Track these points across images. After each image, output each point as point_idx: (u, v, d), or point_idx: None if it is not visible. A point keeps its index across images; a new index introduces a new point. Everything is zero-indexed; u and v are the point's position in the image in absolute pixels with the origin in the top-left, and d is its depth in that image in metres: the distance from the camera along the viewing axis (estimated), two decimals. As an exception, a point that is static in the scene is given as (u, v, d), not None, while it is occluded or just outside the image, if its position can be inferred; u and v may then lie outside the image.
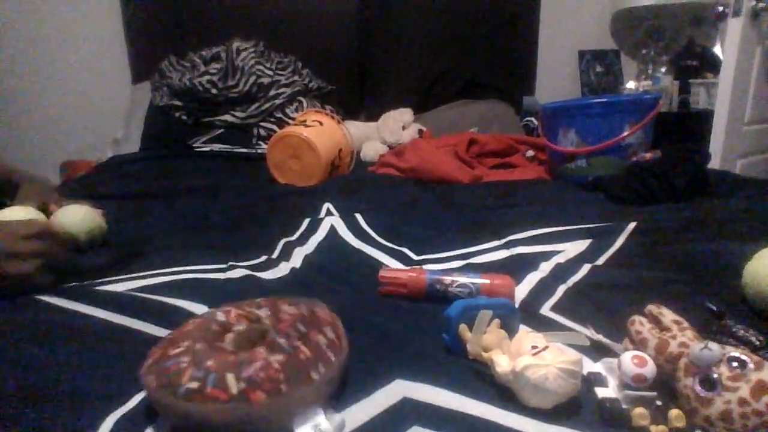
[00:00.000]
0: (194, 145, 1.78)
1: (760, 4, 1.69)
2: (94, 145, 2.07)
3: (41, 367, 0.46)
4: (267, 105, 1.83)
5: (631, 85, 2.34)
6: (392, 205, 1.10)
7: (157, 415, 0.41)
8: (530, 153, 1.61)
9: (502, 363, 0.44)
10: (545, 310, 0.63)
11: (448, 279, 0.65)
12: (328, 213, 1.03)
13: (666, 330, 0.46)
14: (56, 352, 0.49)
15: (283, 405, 0.38)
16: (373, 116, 2.00)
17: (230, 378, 0.38)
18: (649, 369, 0.42)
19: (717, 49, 2.30)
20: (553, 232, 0.89)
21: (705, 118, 1.91)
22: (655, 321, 0.48)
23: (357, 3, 2.11)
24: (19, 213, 0.76)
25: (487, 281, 0.64)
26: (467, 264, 0.78)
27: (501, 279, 0.64)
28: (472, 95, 2.06)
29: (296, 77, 1.93)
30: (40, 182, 0.93)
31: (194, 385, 0.38)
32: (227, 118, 1.81)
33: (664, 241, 0.83)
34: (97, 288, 0.65)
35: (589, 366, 0.48)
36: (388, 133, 1.82)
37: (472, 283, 0.64)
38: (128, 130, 1.92)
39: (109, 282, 0.67)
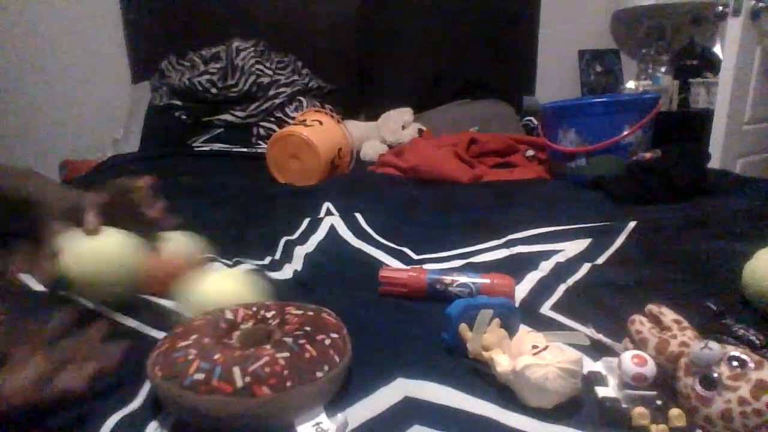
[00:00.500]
0: (194, 144, 1.78)
1: (760, 4, 1.69)
2: (93, 145, 2.07)
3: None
4: (267, 104, 1.82)
5: (631, 84, 2.33)
6: (392, 205, 1.10)
7: (160, 411, 0.41)
8: (530, 152, 1.61)
9: (503, 362, 0.44)
10: (545, 309, 0.63)
11: (448, 278, 0.65)
12: (328, 212, 1.03)
13: (666, 329, 0.46)
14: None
15: (287, 401, 0.38)
16: (372, 116, 2.00)
17: (236, 371, 0.38)
18: (649, 368, 0.42)
19: (717, 49, 2.30)
20: (553, 231, 0.89)
21: (705, 117, 1.91)
22: (656, 320, 0.48)
23: (357, 2, 2.11)
24: (113, 245, 0.58)
25: (488, 281, 0.64)
26: (467, 263, 0.78)
27: (501, 278, 0.64)
28: (472, 95, 2.05)
29: (296, 77, 1.93)
30: (45, 179, 0.68)
31: (200, 376, 0.38)
32: (227, 117, 1.81)
33: (664, 241, 0.83)
34: None
35: (589, 365, 0.48)
36: (388, 132, 1.82)
37: (473, 283, 0.64)
38: (128, 129, 1.92)
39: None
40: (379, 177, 1.41)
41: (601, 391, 0.43)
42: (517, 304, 0.63)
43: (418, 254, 0.82)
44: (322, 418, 0.39)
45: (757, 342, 0.48)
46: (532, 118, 1.99)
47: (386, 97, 2.04)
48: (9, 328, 0.43)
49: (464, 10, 2.15)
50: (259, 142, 1.79)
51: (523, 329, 0.53)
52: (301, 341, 0.42)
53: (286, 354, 0.40)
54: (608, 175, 1.21)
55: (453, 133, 1.67)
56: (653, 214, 0.97)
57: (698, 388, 0.39)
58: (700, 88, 2.15)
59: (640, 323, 0.48)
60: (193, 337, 0.43)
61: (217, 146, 1.75)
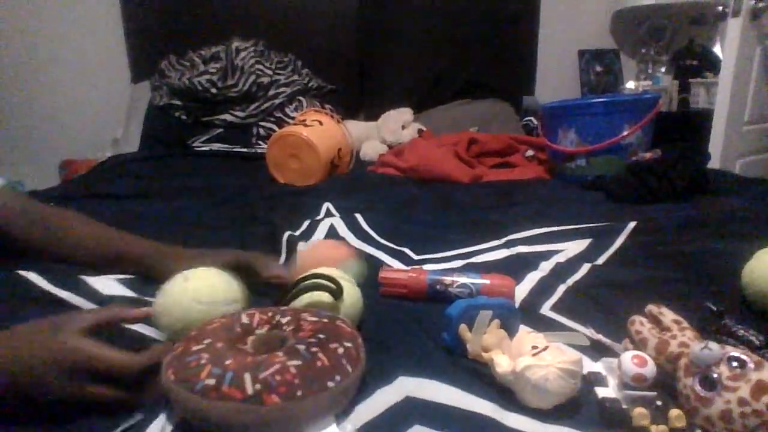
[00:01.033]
0: (194, 144, 1.78)
1: (760, 4, 1.69)
2: (93, 145, 2.07)
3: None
4: (266, 104, 1.82)
5: (630, 84, 2.33)
6: (392, 205, 1.10)
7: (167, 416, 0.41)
8: (530, 152, 1.61)
9: (503, 363, 0.44)
10: (545, 309, 0.63)
11: (448, 279, 0.65)
12: (328, 212, 1.02)
13: (666, 330, 0.46)
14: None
15: (297, 410, 0.38)
16: (372, 116, 2.00)
17: (247, 378, 0.38)
18: (649, 369, 0.42)
19: (717, 49, 2.30)
20: (553, 231, 0.90)
21: (705, 117, 1.91)
22: (655, 321, 0.48)
23: (357, 2, 2.11)
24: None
25: (488, 281, 0.64)
26: (467, 264, 0.78)
27: (501, 279, 0.64)
28: (472, 95, 2.05)
29: (296, 77, 1.93)
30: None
31: (211, 382, 0.38)
32: (227, 117, 1.81)
33: (663, 241, 0.83)
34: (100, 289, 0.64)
35: (589, 366, 0.48)
36: (388, 132, 1.82)
37: (473, 284, 0.64)
38: (128, 129, 1.92)
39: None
40: (379, 177, 1.41)
41: (601, 392, 0.43)
42: (517, 305, 0.63)
43: (418, 254, 0.82)
44: (333, 429, 0.39)
45: (757, 342, 0.48)
46: (531, 118, 1.99)
47: (386, 97, 2.04)
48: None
49: (464, 9, 2.15)
50: (259, 142, 1.79)
51: (523, 330, 0.53)
52: (314, 349, 0.42)
53: (298, 362, 0.40)
54: (608, 175, 1.21)
55: (453, 133, 1.67)
56: (653, 214, 0.97)
57: (698, 388, 0.39)
58: (700, 88, 2.15)
59: (640, 324, 0.48)
60: (207, 341, 0.42)
61: (216, 146, 1.75)
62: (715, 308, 0.53)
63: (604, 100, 1.38)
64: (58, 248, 0.68)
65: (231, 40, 1.89)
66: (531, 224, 0.92)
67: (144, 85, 1.99)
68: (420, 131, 1.81)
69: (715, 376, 0.39)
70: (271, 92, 1.84)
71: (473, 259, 0.79)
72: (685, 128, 2.01)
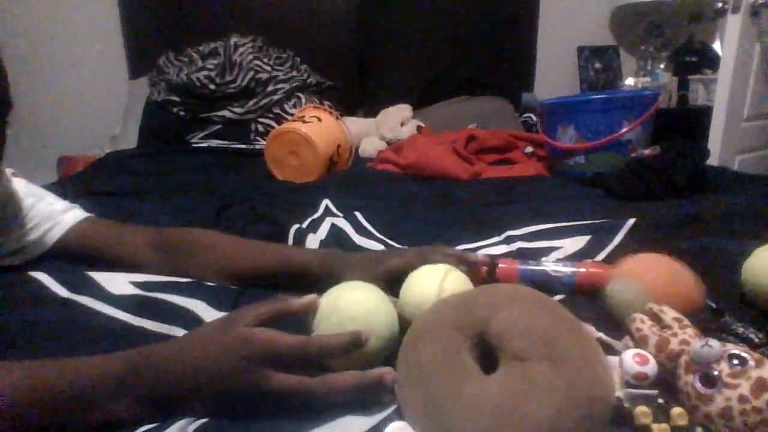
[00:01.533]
0: (192, 140, 1.77)
1: (759, 1, 1.69)
2: (91, 141, 2.06)
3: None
4: (265, 101, 1.82)
5: (630, 81, 2.33)
6: (391, 202, 1.10)
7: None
8: (529, 149, 1.61)
9: None
10: (546, 307, 0.63)
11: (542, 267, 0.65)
12: (327, 209, 1.02)
13: (667, 328, 0.46)
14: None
15: None
16: (371, 112, 2.00)
17: None
18: (651, 367, 0.42)
19: (716, 46, 2.29)
20: (552, 228, 0.89)
21: (704, 114, 1.91)
22: (656, 319, 0.48)
23: (356, -2, 2.10)
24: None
25: (583, 269, 0.64)
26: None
27: (597, 266, 0.64)
28: (471, 91, 2.05)
29: (295, 73, 1.92)
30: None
31: None
32: (225, 113, 1.81)
33: (662, 238, 0.83)
34: (104, 285, 0.64)
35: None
36: (387, 129, 1.82)
37: (571, 272, 0.63)
38: (126, 125, 1.91)
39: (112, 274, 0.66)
40: (378, 174, 1.41)
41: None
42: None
43: (417, 251, 0.82)
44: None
45: (757, 340, 0.48)
46: (531, 115, 1.99)
47: (385, 94, 2.04)
48: None
49: (463, 6, 2.14)
50: (258, 138, 1.78)
51: None
52: None
53: None
54: (607, 171, 1.21)
55: (452, 130, 1.67)
56: (652, 211, 0.97)
57: (698, 385, 0.39)
58: (699, 84, 2.15)
59: (640, 321, 0.48)
60: None
61: (215, 142, 1.75)
62: (714, 305, 0.53)
63: (604, 96, 1.38)
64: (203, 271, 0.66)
65: (229, 36, 1.88)
66: (530, 221, 0.92)
67: (142, 81, 1.98)
68: (419, 128, 1.80)
69: (716, 373, 0.38)
70: (270, 88, 1.83)
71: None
72: (685, 125, 2.01)
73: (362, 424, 0.38)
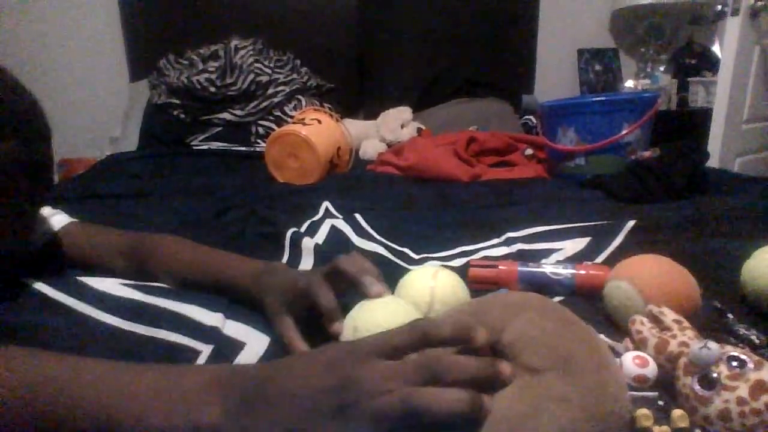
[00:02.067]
0: (192, 143, 1.78)
1: (759, 3, 1.69)
2: (91, 144, 2.07)
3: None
4: (265, 103, 1.82)
5: (629, 83, 2.34)
6: (391, 204, 1.10)
7: None
8: (529, 151, 1.61)
9: None
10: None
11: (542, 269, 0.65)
12: (327, 211, 1.02)
13: (667, 329, 0.46)
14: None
15: None
16: (372, 114, 2.00)
17: None
18: (651, 369, 0.42)
19: (716, 48, 2.30)
20: (552, 230, 0.89)
21: (703, 116, 1.91)
22: (656, 321, 0.48)
23: (356, 1, 2.11)
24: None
25: (583, 271, 0.64)
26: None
27: (596, 268, 0.64)
28: (471, 93, 2.05)
29: (295, 75, 1.93)
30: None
31: None
32: (225, 116, 1.81)
33: (663, 240, 0.83)
34: (94, 289, 0.63)
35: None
36: (387, 131, 1.82)
37: (570, 274, 0.64)
38: (126, 128, 1.92)
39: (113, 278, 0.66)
40: (378, 176, 1.41)
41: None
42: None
43: (417, 254, 0.82)
44: None
45: (757, 341, 0.48)
46: (531, 117, 1.99)
47: (385, 96, 2.04)
48: None
49: (463, 8, 2.15)
50: (258, 140, 1.79)
51: None
52: None
53: None
54: (607, 174, 1.21)
55: (452, 132, 1.67)
56: (652, 212, 0.97)
57: (697, 387, 0.39)
58: (699, 87, 2.15)
59: (640, 323, 0.48)
60: None
61: (215, 145, 1.75)
62: (719, 305, 0.53)
63: (603, 98, 1.38)
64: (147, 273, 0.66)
65: (230, 39, 1.89)
66: (530, 223, 0.92)
67: (142, 84, 1.99)
68: (419, 130, 1.81)
69: (715, 375, 0.38)
70: (270, 91, 1.84)
71: (473, 257, 0.79)
72: (684, 127, 2.02)
73: None
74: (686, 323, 0.46)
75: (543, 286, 0.64)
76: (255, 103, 1.82)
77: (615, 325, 0.55)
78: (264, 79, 1.83)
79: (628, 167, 1.17)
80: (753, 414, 0.36)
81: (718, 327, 0.51)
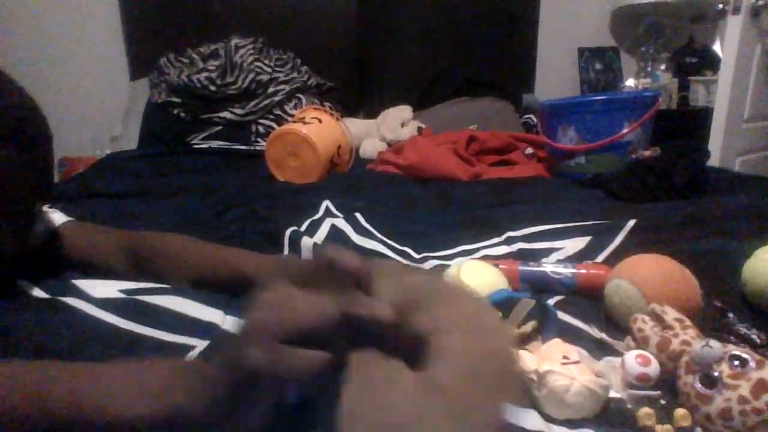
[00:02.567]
0: (192, 142, 1.77)
1: (760, 2, 1.69)
2: (92, 142, 2.07)
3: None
4: (266, 102, 1.82)
5: (630, 82, 2.33)
6: (391, 203, 1.10)
7: None
8: (529, 150, 1.61)
9: (528, 360, 0.43)
10: (547, 307, 0.63)
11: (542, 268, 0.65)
12: (327, 210, 1.02)
13: (668, 328, 0.46)
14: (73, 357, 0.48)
15: None
16: (372, 113, 2.00)
17: None
18: (653, 368, 0.42)
19: (716, 47, 2.30)
20: (552, 229, 0.89)
21: (704, 115, 1.91)
22: (658, 319, 0.48)
23: (356, 1, 2.10)
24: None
25: (583, 270, 0.64)
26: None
27: (597, 268, 0.65)
28: (472, 92, 2.05)
29: (295, 74, 1.93)
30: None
31: None
32: (226, 115, 1.81)
33: (663, 239, 0.83)
34: (90, 290, 0.63)
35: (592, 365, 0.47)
36: (388, 130, 1.82)
37: (571, 273, 0.64)
38: (126, 127, 1.91)
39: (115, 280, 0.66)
40: (379, 175, 1.41)
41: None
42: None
43: (418, 253, 0.82)
44: None
45: (758, 341, 0.48)
46: (531, 116, 1.99)
47: (385, 95, 2.04)
48: None
49: (464, 7, 2.15)
50: (258, 139, 1.78)
51: (557, 340, 0.50)
52: None
53: None
54: (607, 173, 1.21)
55: (452, 131, 1.67)
56: (652, 212, 0.96)
57: (698, 386, 0.39)
58: (700, 86, 2.15)
59: (642, 322, 0.48)
60: None
61: (215, 144, 1.75)
62: (720, 304, 0.53)
63: (604, 97, 1.38)
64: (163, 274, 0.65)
65: (230, 38, 1.88)
66: (530, 222, 0.92)
67: (142, 83, 1.99)
68: (419, 129, 1.80)
69: (716, 374, 0.38)
70: (270, 90, 1.84)
71: (474, 256, 0.79)
72: (685, 126, 2.01)
73: None
74: (688, 322, 0.46)
75: (543, 285, 0.64)
76: (255, 101, 1.82)
77: (615, 324, 0.55)
78: (264, 77, 1.83)
79: (629, 166, 1.17)
80: (754, 413, 0.36)
81: (719, 326, 0.51)
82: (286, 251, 0.80)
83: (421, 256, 0.81)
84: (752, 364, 0.38)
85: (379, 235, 0.89)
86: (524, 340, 0.49)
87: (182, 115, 1.82)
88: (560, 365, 0.41)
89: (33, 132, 0.55)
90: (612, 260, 0.77)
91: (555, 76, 2.38)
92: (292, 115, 1.75)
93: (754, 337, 0.48)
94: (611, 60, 2.42)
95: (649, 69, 2.34)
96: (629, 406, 0.41)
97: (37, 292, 0.61)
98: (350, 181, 1.32)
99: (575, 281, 0.64)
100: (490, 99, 2.03)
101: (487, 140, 1.58)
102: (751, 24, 1.73)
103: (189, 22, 2.04)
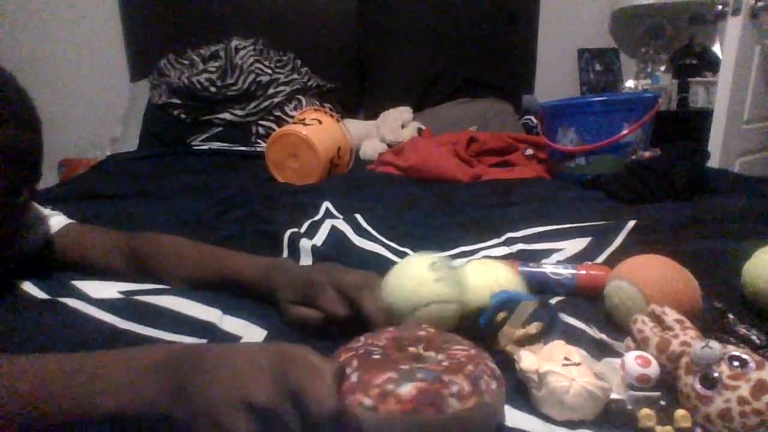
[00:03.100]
0: (193, 143, 1.78)
1: (759, 3, 1.69)
2: (92, 144, 2.07)
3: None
4: (266, 103, 1.82)
5: (630, 83, 2.34)
6: (391, 204, 1.10)
7: None
8: (529, 151, 1.61)
9: (528, 360, 0.42)
10: (547, 308, 0.63)
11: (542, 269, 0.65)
12: (327, 211, 1.02)
13: (668, 329, 0.46)
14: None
15: None
16: (372, 114, 2.00)
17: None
18: (653, 369, 0.42)
19: (716, 48, 2.30)
20: (552, 230, 0.89)
21: (704, 116, 1.91)
22: (658, 320, 0.48)
23: (356, 1, 2.11)
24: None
25: (583, 271, 0.64)
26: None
27: (597, 269, 0.65)
28: (472, 93, 2.05)
29: (295, 75, 1.93)
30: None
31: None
32: (226, 116, 1.81)
33: (663, 240, 0.83)
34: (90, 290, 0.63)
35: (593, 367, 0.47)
36: (388, 131, 1.82)
37: (570, 274, 0.64)
38: (126, 128, 1.92)
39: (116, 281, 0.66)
40: (379, 176, 1.41)
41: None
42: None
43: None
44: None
45: (758, 342, 0.48)
46: (531, 117, 1.99)
47: (385, 96, 2.04)
48: None
49: (464, 8, 2.15)
50: (258, 140, 1.79)
51: (560, 342, 0.49)
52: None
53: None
54: (607, 174, 1.21)
55: (452, 132, 1.67)
56: (652, 213, 0.97)
57: (698, 386, 0.39)
58: (700, 87, 2.15)
59: (642, 322, 0.48)
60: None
61: (216, 145, 1.75)
62: (719, 305, 0.53)
63: (604, 99, 1.38)
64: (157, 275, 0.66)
65: (230, 39, 1.89)
66: (530, 223, 0.92)
67: (143, 84, 1.99)
68: (419, 130, 1.81)
69: (716, 374, 0.38)
70: (271, 91, 1.84)
71: (473, 258, 0.79)
72: (685, 127, 2.02)
73: None
74: (688, 323, 0.46)
75: (543, 286, 0.64)
76: (255, 103, 1.82)
77: (615, 324, 0.55)
78: (264, 79, 1.83)
79: (629, 167, 1.17)
80: (754, 414, 0.36)
81: (719, 327, 0.51)
82: (285, 253, 0.80)
83: (421, 257, 0.81)
84: (752, 365, 0.38)
85: (379, 237, 0.89)
86: (528, 341, 0.49)
87: (182, 116, 1.83)
88: (561, 366, 0.41)
89: (19, 114, 0.54)
90: (612, 261, 0.77)
91: (555, 77, 2.38)
92: (292, 117, 1.75)
93: (754, 338, 0.48)
94: (611, 61, 2.42)
95: (648, 70, 2.34)
96: (629, 407, 0.41)
97: (37, 293, 0.61)
98: (350, 182, 1.32)
99: (575, 282, 0.64)
100: (490, 100, 2.03)
101: (487, 141, 1.58)
102: (750, 25, 1.73)
103: (189, 23, 2.04)
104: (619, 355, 0.47)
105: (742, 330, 0.50)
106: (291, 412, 0.32)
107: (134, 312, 0.56)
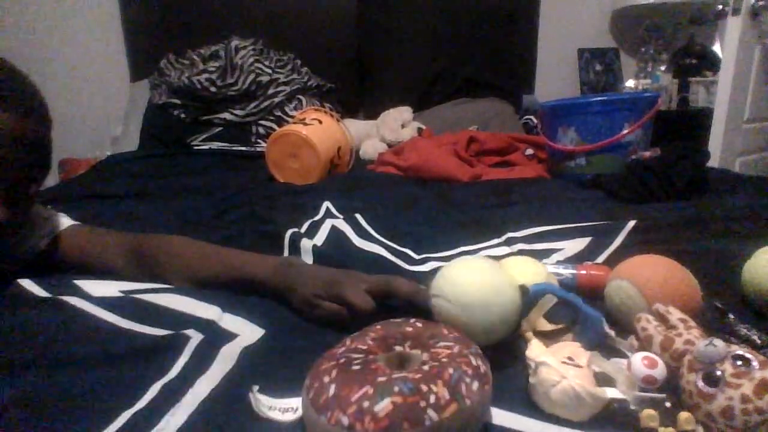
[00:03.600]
0: (193, 143, 1.77)
1: (760, 3, 1.69)
2: (92, 144, 2.07)
3: (52, 367, 0.46)
4: (266, 103, 1.82)
5: (630, 83, 2.34)
6: (392, 204, 1.10)
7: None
8: (529, 151, 1.61)
9: (536, 349, 0.43)
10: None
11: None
12: (327, 211, 1.02)
13: (672, 328, 0.46)
14: (70, 351, 0.48)
15: None
16: (372, 114, 2.00)
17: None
18: (660, 371, 0.42)
19: (716, 48, 2.30)
20: (552, 230, 0.89)
21: (704, 116, 1.91)
22: (662, 319, 0.48)
23: (356, 1, 2.11)
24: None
25: (583, 271, 0.64)
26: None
27: (597, 268, 0.65)
28: (472, 93, 2.05)
29: (295, 75, 1.93)
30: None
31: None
32: (226, 116, 1.81)
33: (663, 240, 0.83)
34: (91, 290, 0.63)
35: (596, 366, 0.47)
36: (388, 131, 1.82)
37: (571, 274, 0.64)
38: (127, 128, 1.91)
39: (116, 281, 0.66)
40: (379, 176, 1.41)
41: (609, 392, 0.42)
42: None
43: (418, 254, 0.82)
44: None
45: (759, 342, 0.48)
46: (531, 117, 1.99)
47: (385, 96, 2.04)
48: None
49: (463, 8, 2.15)
50: (259, 140, 1.79)
51: (577, 344, 0.48)
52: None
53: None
54: (608, 173, 1.21)
55: (452, 132, 1.67)
56: (653, 212, 0.97)
57: (700, 384, 0.39)
58: (700, 86, 2.16)
59: (646, 321, 0.48)
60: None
61: (216, 145, 1.75)
62: (720, 305, 0.53)
63: (604, 98, 1.38)
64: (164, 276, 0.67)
65: (230, 39, 1.89)
66: (531, 223, 0.92)
67: (143, 84, 1.99)
68: (420, 130, 1.80)
69: (719, 373, 0.38)
70: (271, 91, 1.84)
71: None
72: (685, 127, 2.02)
73: None
74: (692, 322, 0.46)
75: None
76: (255, 103, 1.82)
77: (616, 324, 0.55)
78: (264, 79, 1.83)
79: (629, 167, 1.17)
80: (756, 412, 0.36)
81: (720, 327, 0.51)
82: (286, 253, 0.80)
83: (422, 257, 0.81)
84: (755, 363, 0.38)
85: (379, 237, 0.89)
86: (552, 335, 0.49)
87: (183, 116, 1.82)
88: (560, 363, 0.41)
89: (30, 103, 0.57)
90: (612, 261, 0.77)
91: (555, 76, 2.38)
92: (292, 117, 1.75)
93: (755, 338, 0.48)
94: (611, 61, 2.42)
95: (649, 70, 2.34)
96: (632, 407, 0.41)
97: (38, 292, 0.61)
98: (350, 182, 1.32)
99: (575, 282, 0.64)
100: (491, 100, 2.03)
101: (487, 141, 1.58)
102: (750, 25, 1.73)
103: (189, 23, 2.04)
104: (624, 355, 0.47)
105: (743, 330, 0.50)
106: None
107: (135, 310, 0.56)
